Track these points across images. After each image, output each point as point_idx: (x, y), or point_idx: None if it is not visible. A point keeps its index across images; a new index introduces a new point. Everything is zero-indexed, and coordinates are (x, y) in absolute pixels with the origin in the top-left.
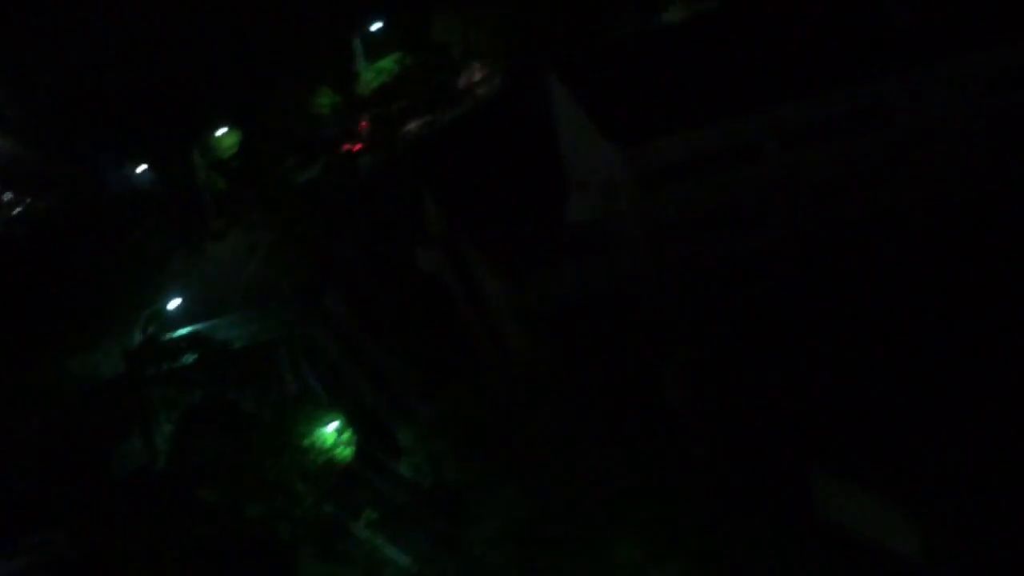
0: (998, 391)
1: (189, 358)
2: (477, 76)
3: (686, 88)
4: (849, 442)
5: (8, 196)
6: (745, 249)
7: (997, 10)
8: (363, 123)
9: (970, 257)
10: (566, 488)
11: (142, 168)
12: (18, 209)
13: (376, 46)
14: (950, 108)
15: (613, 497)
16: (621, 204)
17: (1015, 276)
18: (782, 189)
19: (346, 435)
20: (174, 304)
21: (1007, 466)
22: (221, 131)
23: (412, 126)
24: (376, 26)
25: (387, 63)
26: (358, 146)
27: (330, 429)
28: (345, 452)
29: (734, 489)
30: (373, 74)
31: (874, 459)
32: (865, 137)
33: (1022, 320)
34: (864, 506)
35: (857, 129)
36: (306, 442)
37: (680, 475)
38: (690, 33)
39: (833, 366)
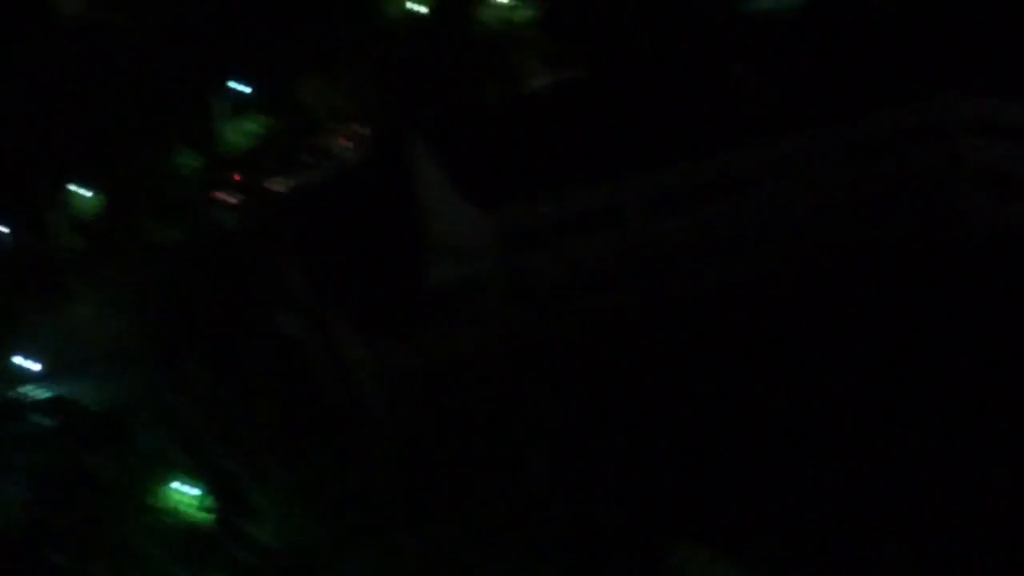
0: (855, 461)
1: (44, 420)
2: (343, 138)
3: (550, 154)
4: (708, 511)
5: None
6: (606, 315)
7: (853, 80)
8: (236, 176)
9: (830, 325)
10: (423, 556)
11: None
12: None
13: (242, 106)
14: (810, 177)
15: (469, 565)
16: (483, 268)
17: (872, 346)
18: (644, 254)
19: (202, 499)
20: (27, 363)
21: (866, 536)
22: (82, 189)
23: (277, 188)
24: (242, 86)
25: (252, 124)
26: (230, 200)
27: (185, 492)
28: (200, 516)
29: (593, 557)
30: (237, 135)
31: (732, 528)
32: (726, 204)
33: (881, 384)
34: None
35: (719, 197)
36: (160, 505)
37: (538, 543)
38: (555, 100)
39: (693, 435)
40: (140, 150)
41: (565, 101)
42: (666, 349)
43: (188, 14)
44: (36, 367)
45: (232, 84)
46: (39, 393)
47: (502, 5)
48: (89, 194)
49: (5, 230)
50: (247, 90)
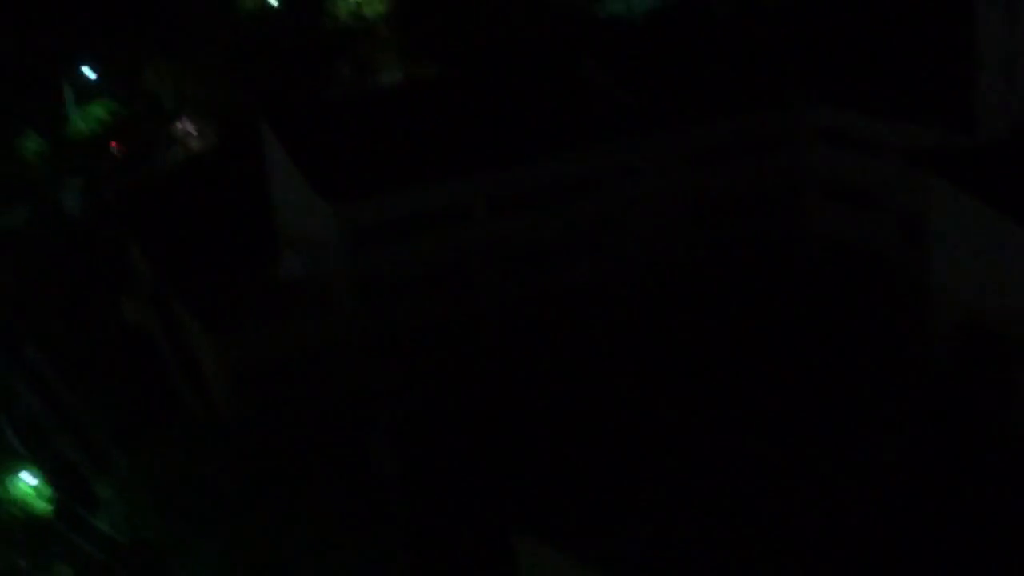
0: (702, 459)
1: None
2: (190, 127)
3: (401, 150)
4: (553, 508)
5: None
6: (452, 312)
7: (704, 86)
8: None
9: (675, 326)
10: (268, 547)
11: None
12: None
13: (88, 91)
14: (658, 180)
15: (316, 557)
16: (331, 263)
17: (713, 347)
18: (490, 252)
19: (42, 487)
20: None
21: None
22: None
23: (123, 175)
24: (88, 72)
25: (98, 109)
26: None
27: (25, 481)
28: (41, 505)
29: (438, 552)
30: (85, 120)
31: (578, 526)
32: (573, 205)
33: (724, 384)
34: (568, 573)
35: (566, 197)
36: (5, 496)
37: (381, 537)
38: (406, 96)
39: (538, 432)
40: None
41: (416, 97)
42: (512, 347)
43: None
44: None
45: (81, 69)
46: None
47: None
48: None
49: None
50: (95, 76)
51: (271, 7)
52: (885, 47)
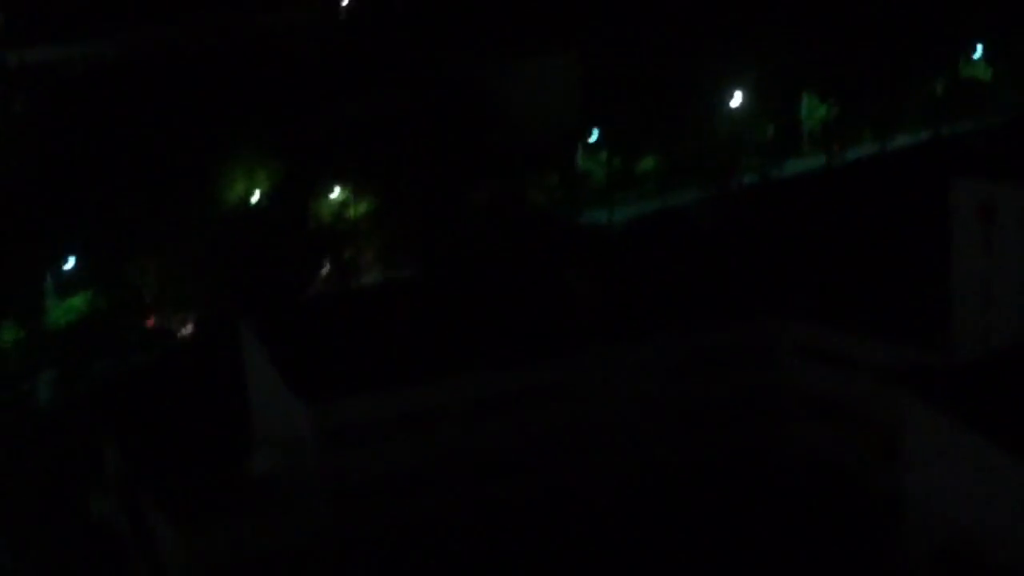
0: None
1: None
2: (170, 321)
3: (379, 351)
4: None
5: None
6: (427, 515)
7: (684, 299)
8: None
9: (651, 538)
10: None
11: None
12: None
13: (69, 283)
14: (634, 390)
15: None
16: (305, 461)
17: (685, 560)
18: (464, 456)
19: None
20: None
21: None
22: None
23: (101, 366)
24: (69, 264)
25: (78, 301)
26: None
27: None
28: None
29: None
30: (63, 311)
31: None
32: (550, 411)
33: None
34: None
35: (543, 403)
36: None
37: None
38: (387, 298)
39: None
40: None
41: (396, 299)
42: (488, 551)
43: (17, 188)
44: None
45: (63, 260)
46: None
47: (336, 200)
48: None
49: None
50: (76, 267)
51: (256, 206)
52: (864, 264)
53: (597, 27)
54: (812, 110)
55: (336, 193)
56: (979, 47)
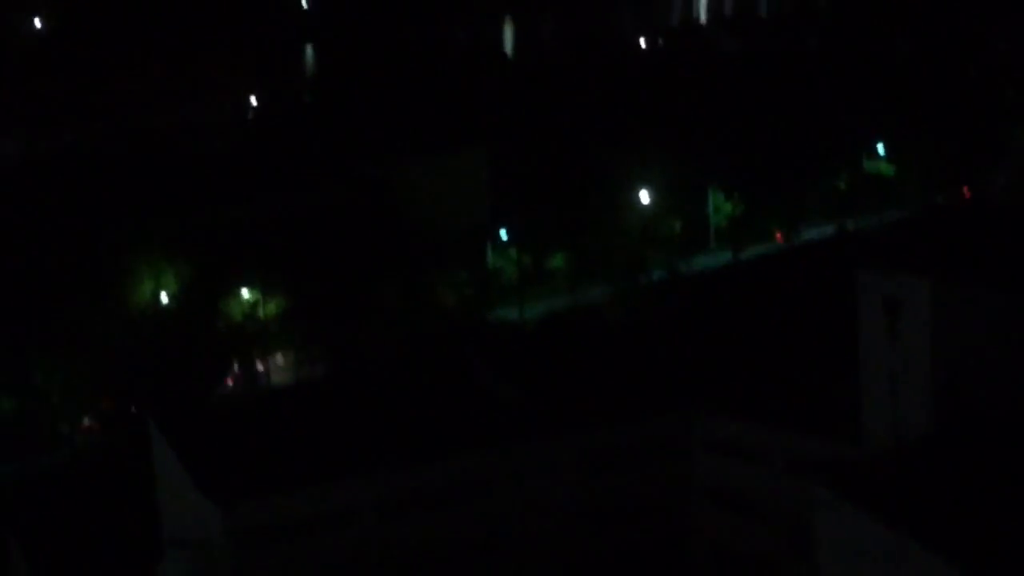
0: None
1: None
2: (78, 422)
3: (288, 452)
4: None
5: None
6: None
7: (597, 392)
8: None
9: None
10: None
11: None
12: None
13: None
14: (544, 484)
15: None
16: (219, 565)
17: None
18: (379, 558)
19: None
20: None
21: None
22: None
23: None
24: None
25: None
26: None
27: None
28: None
29: None
30: None
31: None
32: (463, 509)
33: None
34: None
35: (455, 500)
36: None
37: None
38: (297, 397)
39: None
40: None
41: (306, 398)
42: None
43: None
44: None
45: None
46: None
47: (247, 300)
48: None
49: None
50: None
51: (165, 307)
52: (774, 358)
53: (504, 124)
54: (718, 206)
55: (246, 292)
56: (880, 145)
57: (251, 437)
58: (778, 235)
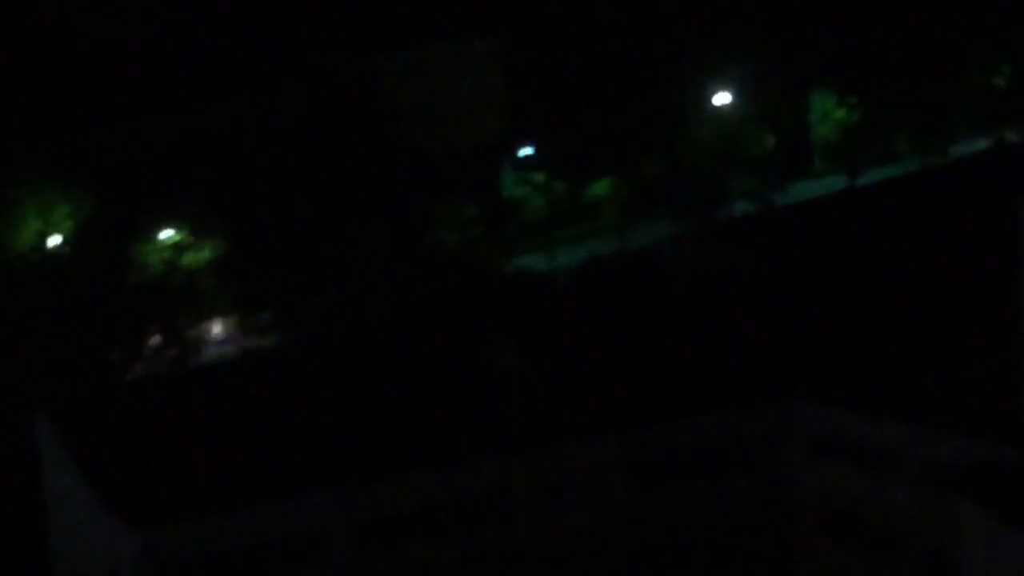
0: None
1: None
2: None
3: (229, 455)
4: None
5: None
6: None
7: (655, 376)
8: None
9: None
10: None
11: None
12: None
13: None
14: (583, 505)
15: None
16: None
17: None
18: None
19: None
20: None
21: None
22: None
23: None
24: None
25: None
26: None
27: None
28: None
29: None
30: None
31: None
32: (464, 537)
33: None
34: None
35: (455, 526)
36: None
37: None
38: (240, 376)
39: None
40: None
41: (253, 378)
42: None
43: None
44: None
45: None
46: None
47: (168, 244)
48: None
49: None
50: None
51: (55, 254)
52: (901, 327)
53: (529, 3)
54: (827, 113)
55: (168, 234)
56: None
57: (179, 438)
58: None
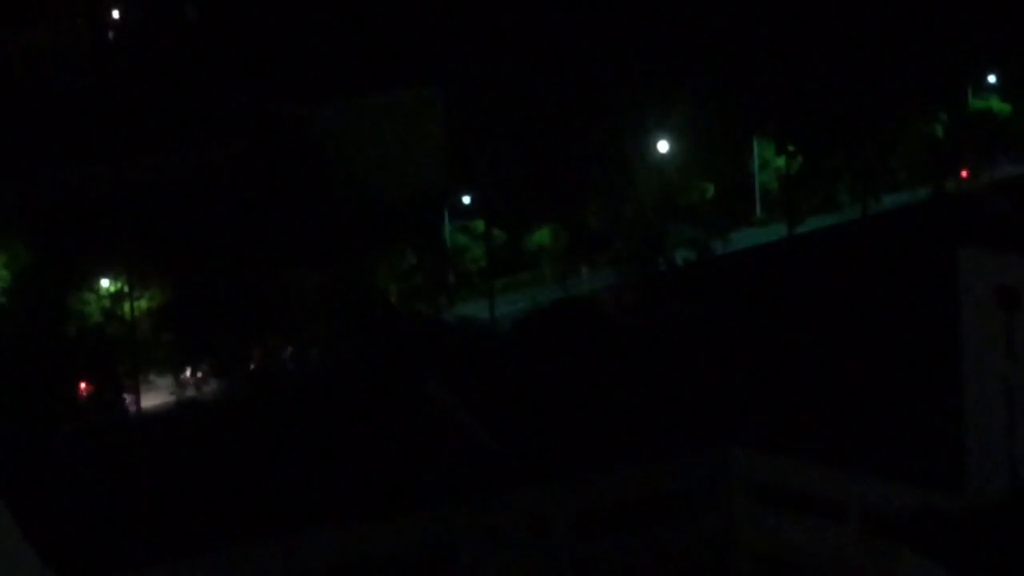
0: None
1: None
2: None
3: (174, 508)
4: None
5: None
6: None
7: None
8: None
9: None
10: None
11: None
12: None
13: None
14: (528, 553)
15: None
16: None
17: None
18: None
19: None
20: None
21: None
22: None
23: None
24: None
25: None
26: None
27: None
28: None
29: None
30: None
31: None
32: None
33: None
34: None
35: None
36: None
37: None
38: (181, 427)
39: None
40: None
41: (195, 434)
42: None
43: None
44: None
45: None
46: None
47: (107, 293)
48: None
49: None
50: None
51: None
52: (843, 370)
53: (467, 50)
54: (767, 162)
55: (107, 284)
56: (992, 75)
57: (118, 489)
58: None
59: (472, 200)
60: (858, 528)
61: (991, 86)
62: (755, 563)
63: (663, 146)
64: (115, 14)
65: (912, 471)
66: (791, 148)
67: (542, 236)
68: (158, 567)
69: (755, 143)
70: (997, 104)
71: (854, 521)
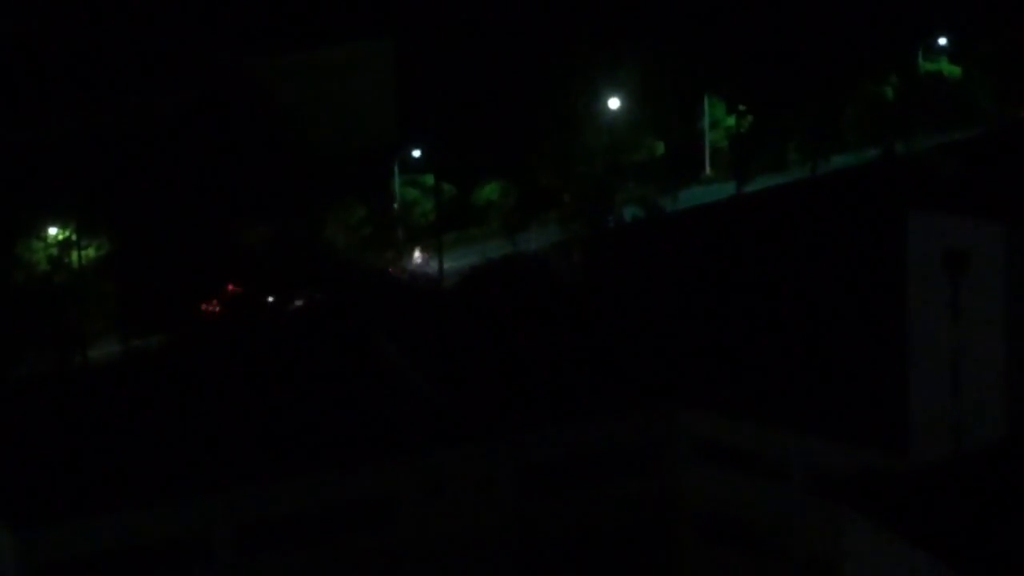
0: None
1: None
2: None
3: (110, 455)
4: None
5: None
6: None
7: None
8: None
9: None
10: None
11: None
12: None
13: None
14: (469, 507)
15: None
16: None
17: None
18: None
19: None
20: None
21: None
22: None
23: None
24: None
25: None
26: None
27: None
28: None
29: None
30: None
31: None
32: (347, 544)
33: None
34: None
35: (345, 528)
36: None
37: None
38: (122, 377)
39: None
40: None
41: (139, 383)
42: None
43: None
44: None
45: None
46: None
47: (55, 242)
48: None
49: None
50: None
51: None
52: (788, 333)
53: (419, 3)
54: (717, 120)
55: (54, 232)
56: (942, 38)
57: (58, 437)
58: None
59: (422, 154)
60: (802, 488)
61: (941, 48)
62: (699, 520)
63: (613, 103)
64: None
65: (857, 432)
66: (741, 107)
67: (491, 191)
68: (101, 517)
69: (706, 101)
70: (947, 67)
71: (798, 481)
